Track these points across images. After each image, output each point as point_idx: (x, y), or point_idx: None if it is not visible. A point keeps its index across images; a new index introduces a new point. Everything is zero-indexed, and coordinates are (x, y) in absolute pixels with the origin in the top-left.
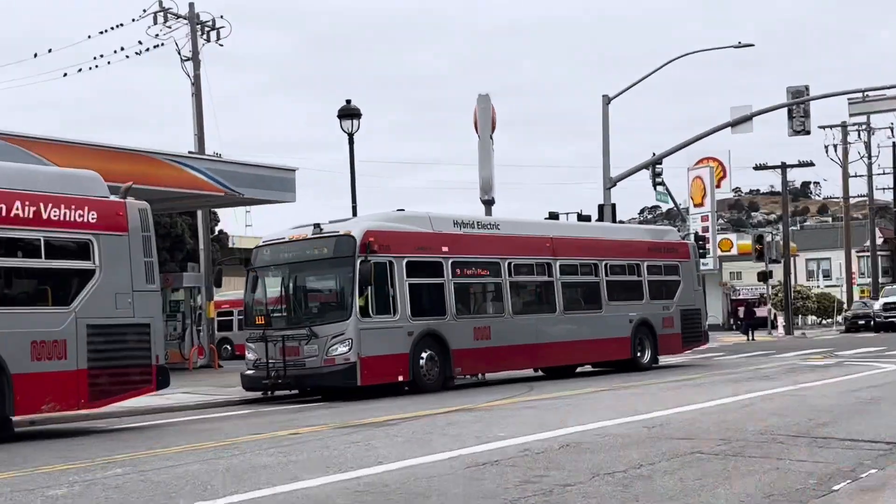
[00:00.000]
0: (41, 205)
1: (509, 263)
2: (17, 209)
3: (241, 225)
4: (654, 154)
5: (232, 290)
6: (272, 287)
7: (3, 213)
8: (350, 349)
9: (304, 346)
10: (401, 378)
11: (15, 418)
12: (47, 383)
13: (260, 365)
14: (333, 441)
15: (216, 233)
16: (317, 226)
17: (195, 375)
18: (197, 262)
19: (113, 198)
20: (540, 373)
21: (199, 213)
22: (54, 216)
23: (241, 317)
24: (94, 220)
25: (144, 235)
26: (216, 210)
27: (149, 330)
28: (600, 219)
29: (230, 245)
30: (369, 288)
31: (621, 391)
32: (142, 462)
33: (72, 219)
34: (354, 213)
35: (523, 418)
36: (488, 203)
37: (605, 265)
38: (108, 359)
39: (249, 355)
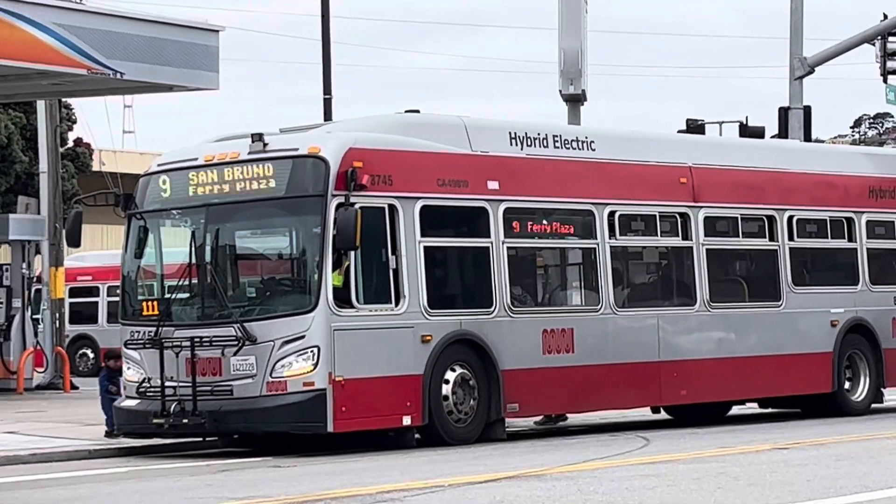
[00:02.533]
0: None
1: (611, 214)
2: None
3: (117, 131)
4: (884, 16)
5: (98, 248)
6: (174, 249)
7: None
8: (315, 365)
9: (230, 357)
10: (408, 420)
11: None
12: None
13: (149, 390)
14: None
15: (70, 144)
16: (258, 137)
17: (30, 402)
18: (35, 197)
19: None
20: (662, 414)
21: (41, 106)
22: None
23: (113, 298)
24: None
25: None
26: (71, 103)
27: None
28: (782, 134)
29: (96, 168)
30: (352, 254)
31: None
32: None
33: None
34: (328, 117)
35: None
36: (574, 100)
37: (789, 219)
38: None
39: (130, 372)
